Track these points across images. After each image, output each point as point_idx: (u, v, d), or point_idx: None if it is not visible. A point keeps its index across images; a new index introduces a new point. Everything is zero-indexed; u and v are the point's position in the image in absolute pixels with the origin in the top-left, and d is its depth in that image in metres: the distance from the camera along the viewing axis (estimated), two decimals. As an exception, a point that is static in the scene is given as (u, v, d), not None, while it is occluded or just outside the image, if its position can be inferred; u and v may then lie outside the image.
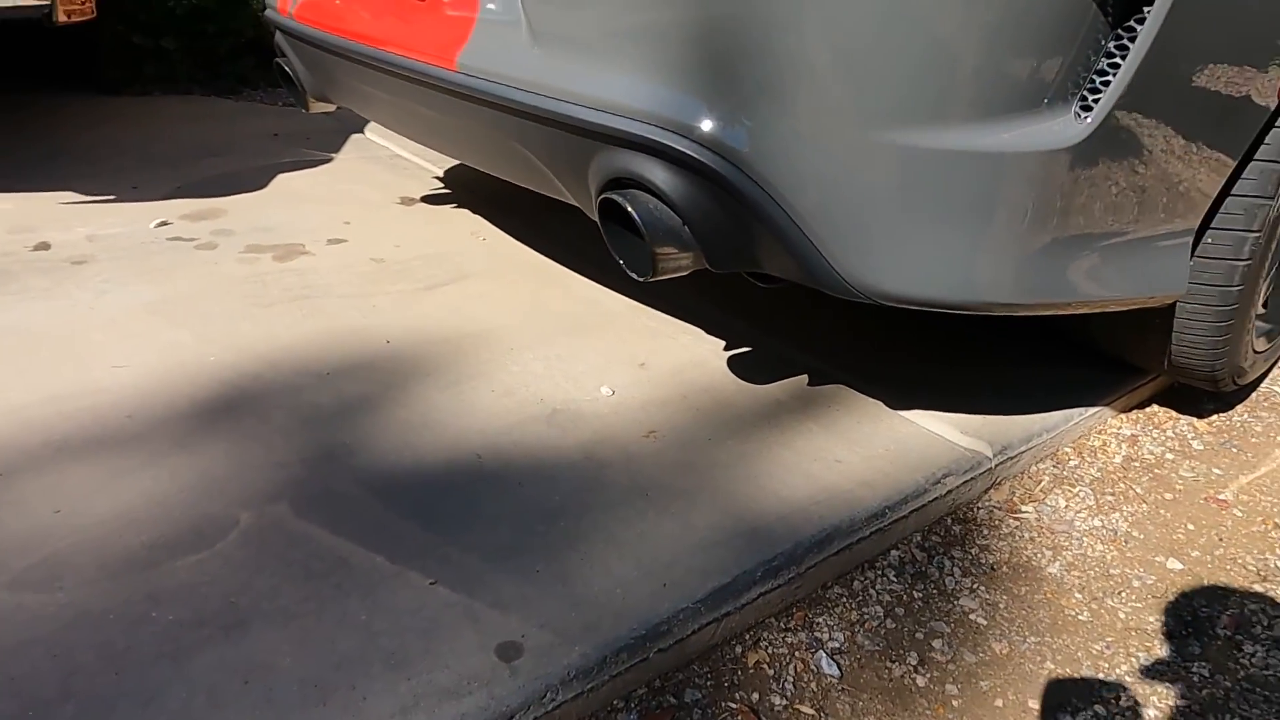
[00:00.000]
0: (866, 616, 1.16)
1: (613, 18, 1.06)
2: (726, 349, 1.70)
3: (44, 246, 1.92)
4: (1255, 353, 1.61)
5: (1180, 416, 1.75)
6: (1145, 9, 0.96)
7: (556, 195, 1.40)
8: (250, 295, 1.75)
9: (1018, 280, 1.09)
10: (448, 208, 2.42)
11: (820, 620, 1.15)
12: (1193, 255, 1.36)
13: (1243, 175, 1.29)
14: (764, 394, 1.53)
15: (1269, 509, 1.48)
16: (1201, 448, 1.66)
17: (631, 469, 1.28)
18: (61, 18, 2.54)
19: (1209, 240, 1.35)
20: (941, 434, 1.45)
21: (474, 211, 2.38)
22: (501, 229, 2.27)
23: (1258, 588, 1.29)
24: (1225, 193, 1.30)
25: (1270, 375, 1.98)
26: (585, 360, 1.60)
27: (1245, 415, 1.81)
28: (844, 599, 1.19)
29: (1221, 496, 1.51)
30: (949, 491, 1.34)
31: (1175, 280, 1.28)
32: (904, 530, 1.29)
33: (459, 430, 1.35)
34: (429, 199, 2.48)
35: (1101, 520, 1.41)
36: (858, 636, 1.13)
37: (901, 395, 1.56)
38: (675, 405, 1.47)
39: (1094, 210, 1.08)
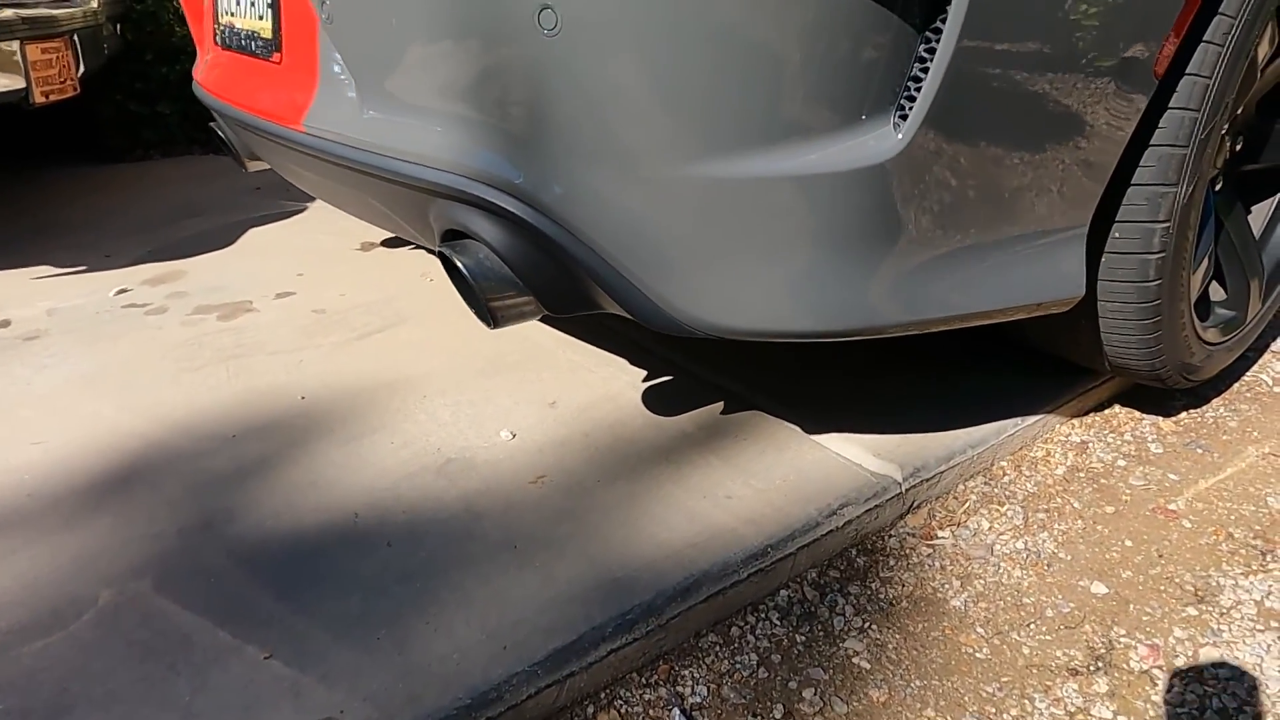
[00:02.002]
0: (738, 666, 1.11)
1: (417, 77, 1.04)
2: (646, 379, 1.66)
3: (3, 324, 2.00)
4: (1207, 345, 1.48)
5: (1144, 417, 1.63)
6: (946, 7, 0.89)
7: (424, 243, 1.39)
8: (183, 359, 1.79)
9: (869, 303, 1.03)
10: (403, 250, 2.44)
11: (686, 673, 1.09)
12: (1103, 252, 1.27)
13: (1140, 163, 1.19)
14: (671, 427, 1.49)
15: (1224, 516, 1.36)
16: (1160, 451, 1.54)
17: (508, 519, 1.25)
18: (39, 99, 2.66)
19: (1116, 235, 1.25)
20: (850, 458, 1.38)
21: (429, 252, 2.40)
22: (453, 267, 2.27)
23: (1191, 610, 1.18)
24: (1124, 183, 1.20)
25: (1260, 362, 1.83)
26: (495, 403, 1.58)
27: (1220, 409, 1.67)
28: (717, 648, 1.13)
29: (1171, 506, 1.39)
30: (847, 522, 1.26)
31: (1070, 282, 1.18)
32: (794, 568, 1.23)
33: (344, 488, 1.34)
34: (388, 243, 2.51)
35: (1025, 542, 1.31)
36: (723, 689, 1.07)
37: (820, 417, 1.49)
38: (574, 445, 1.44)
39: (941, 220, 1.01)
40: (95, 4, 3.06)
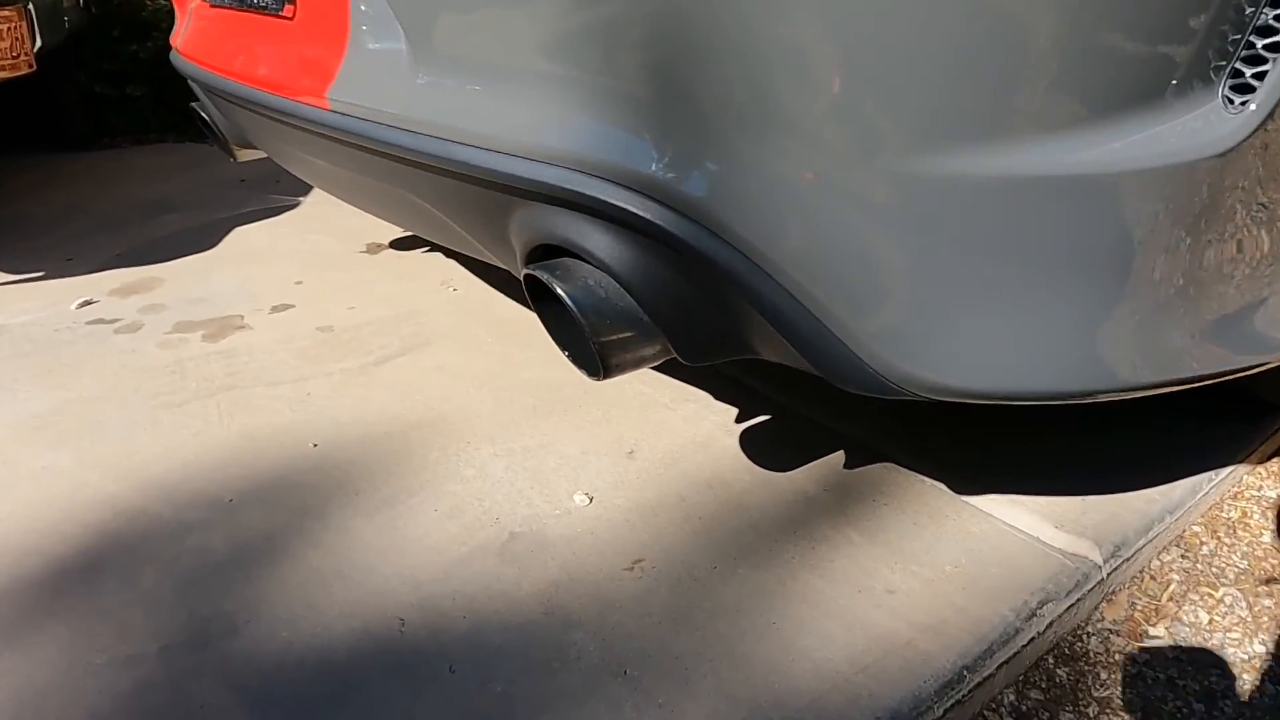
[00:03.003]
0: None
1: (521, 29, 0.73)
2: (739, 420, 1.35)
3: (-60, 346, 1.66)
4: None
5: (1336, 463, 1.35)
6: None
7: (487, 260, 1.07)
8: (162, 392, 1.46)
9: (1150, 355, 0.73)
10: (417, 253, 2.11)
11: None
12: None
13: None
14: (787, 487, 1.18)
15: None
16: (1375, 508, 1.26)
17: (606, 628, 0.94)
18: (-12, 76, 2.31)
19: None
20: (1028, 532, 1.09)
21: (447, 256, 2.07)
22: (477, 274, 1.95)
23: None
24: None
25: None
26: (558, 452, 1.27)
27: None
28: (912, 818, 0.84)
29: None
30: (1049, 625, 0.97)
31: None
32: (989, 692, 0.93)
33: (382, 580, 1.03)
34: (397, 244, 2.18)
35: (1264, 643, 1.03)
36: None
37: (970, 474, 1.19)
38: (670, 514, 1.13)
39: (1262, 240, 0.71)
40: (54, -31, 2.71)
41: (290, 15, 0.99)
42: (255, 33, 1.09)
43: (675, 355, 0.80)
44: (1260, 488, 1.29)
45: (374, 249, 2.15)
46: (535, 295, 0.84)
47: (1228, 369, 0.77)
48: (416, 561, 1.05)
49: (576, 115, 0.72)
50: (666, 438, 1.30)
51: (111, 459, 1.27)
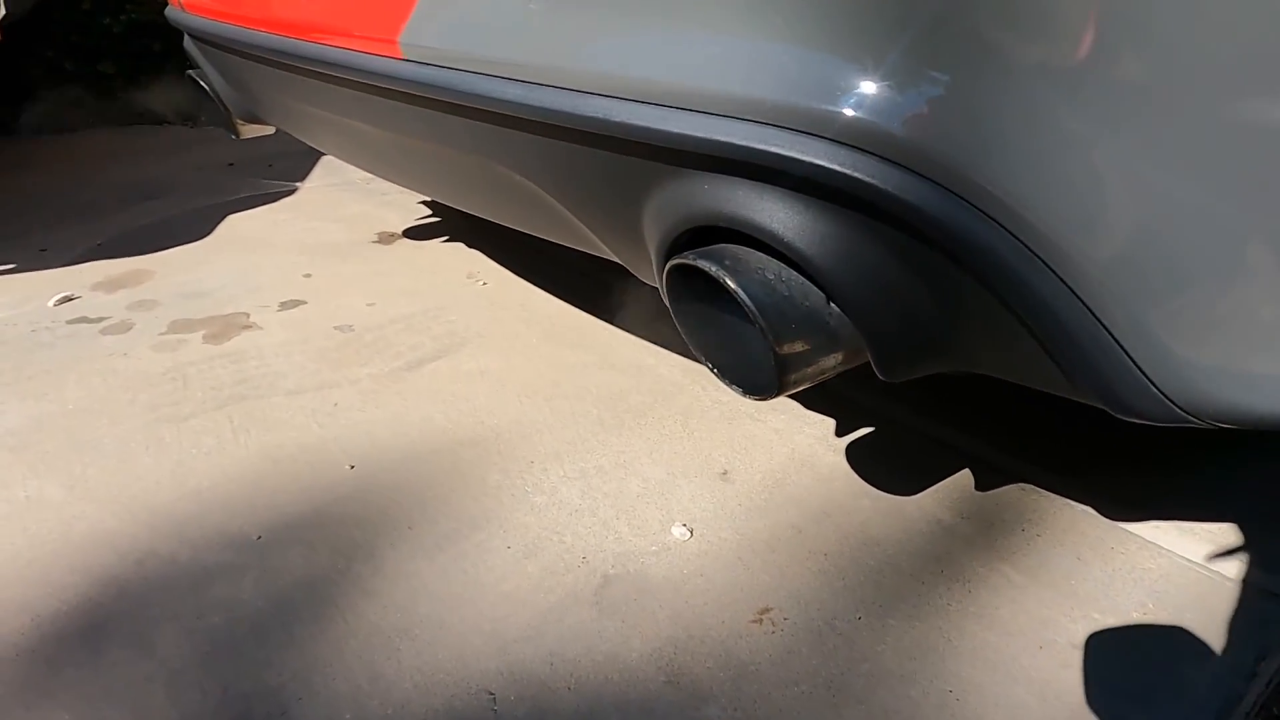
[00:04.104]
0: None
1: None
2: (839, 434, 1.18)
3: (-103, 349, 1.44)
4: None
5: None
6: None
7: (588, 249, 0.88)
8: (163, 404, 1.25)
9: None
10: (436, 241, 1.91)
11: None
12: None
13: None
14: (917, 515, 1.01)
15: None
16: None
17: (746, 702, 0.77)
18: (-55, 44, 2.07)
19: None
20: (1212, 568, 0.93)
21: (470, 245, 1.88)
22: (506, 266, 1.76)
23: None
24: None
25: None
26: (640, 474, 1.09)
27: None
28: None
29: None
30: (1269, 685, 0.82)
31: None
32: (1214, 771, 0.77)
33: (458, 638, 0.84)
34: (413, 232, 1.98)
35: None
36: None
37: (1118, 497, 1.03)
38: (788, 550, 0.96)
39: None
40: (18, -69, 2.46)
41: (343, -57, 0.80)
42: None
43: (876, 368, 0.63)
44: None
45: (387, 238, 1.95)
46: (677, 292, 0.66)
47: None
48: (496, 614, 0.87)
49: (758, 40, 0.54)
50: (761, 455, 1.13)
51: (108, 487, 1.07)
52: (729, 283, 0.59)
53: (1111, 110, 0.47)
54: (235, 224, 2.06)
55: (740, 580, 0.91)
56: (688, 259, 0.62)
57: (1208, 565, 0.93)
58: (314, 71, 0.87)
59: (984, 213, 0.50)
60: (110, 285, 1.69)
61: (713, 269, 0.60)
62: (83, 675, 0.80)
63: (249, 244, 1.92)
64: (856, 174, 0.53)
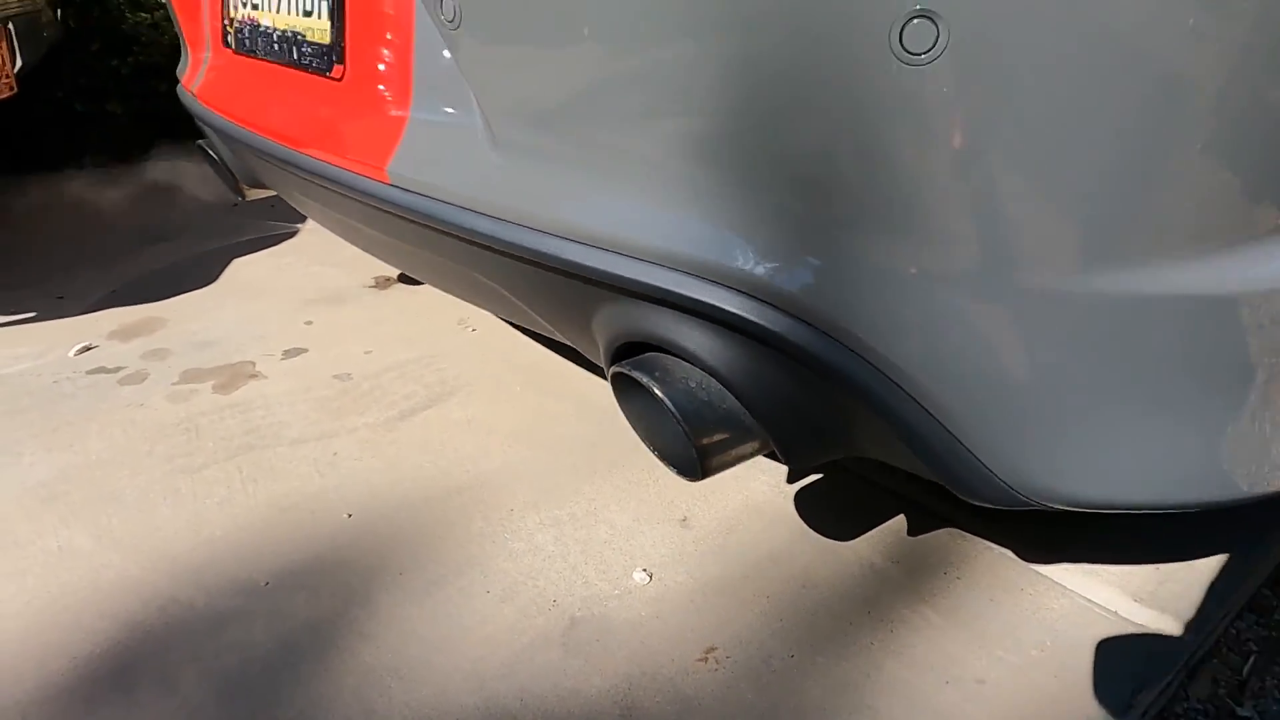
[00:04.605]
0: None
1: (613, 107, 0.67)
2: (790, 480, 1.30)
3: (-69, 401, 1.56)
4: None
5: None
6: None
7: (559, 340, 1.01)
8: (178, 454, 1.38)
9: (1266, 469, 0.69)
10: (429, 288, 2.04)
11: None
12: None
13: None
14: (852, 559, 1.14)
15: None
16: None
17: (689, 732, 0.89)
18: (-33, 101, 2.19)
19: None
20: (1107, 607, 1.05)
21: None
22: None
23: None
24: None
25: None
26: (608, 520, 1.21)
27: None
28: None
29: None
30: (1143, 715, 0.94)
31: None
32: (1092, 791, 0.90)
33: (443, 677, 0.96)
34: (408, 277, 2.10)
35: (1353, 722, 1.00)
36: None
37: (1034, 541, 1.15)
38: (735, 593, 1.08)
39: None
40: (32, -17, 2.59)
41: (339, 76, 0.93)
42: (294, 90, 1.02)
43: (780, 457, 0.75)
44: (1321, 543, 1.28)
45: (383, 283, 2.07)
46: (622, 391, 0.79)
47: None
48: (476, 654, 0.99)
49: (674, 208, 0.67)
50: (719, 502, 1.25)
51: (132, 536, 1.19)
52: (656, 391, 0.71)
53: (922, 277, 0.60)
54: (240, 268, 2.18)
55: (691, 622, 1.04)
56: (625, 369, 0.74)
57: (1104, 605, 1.05)
58: (310, 178, 1.00)
59: (847, 347, 0.63)
60: (125, 334, 1.82)
61: (644, 379, 0.72)
62: (116, 713, 0.92)
63: (253, 290, 2.04)
64: (750, 316, 0.65)
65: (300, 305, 1.95)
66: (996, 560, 1.13)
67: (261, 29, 1.06)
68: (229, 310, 1.93)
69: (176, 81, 1.50)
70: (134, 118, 3.24)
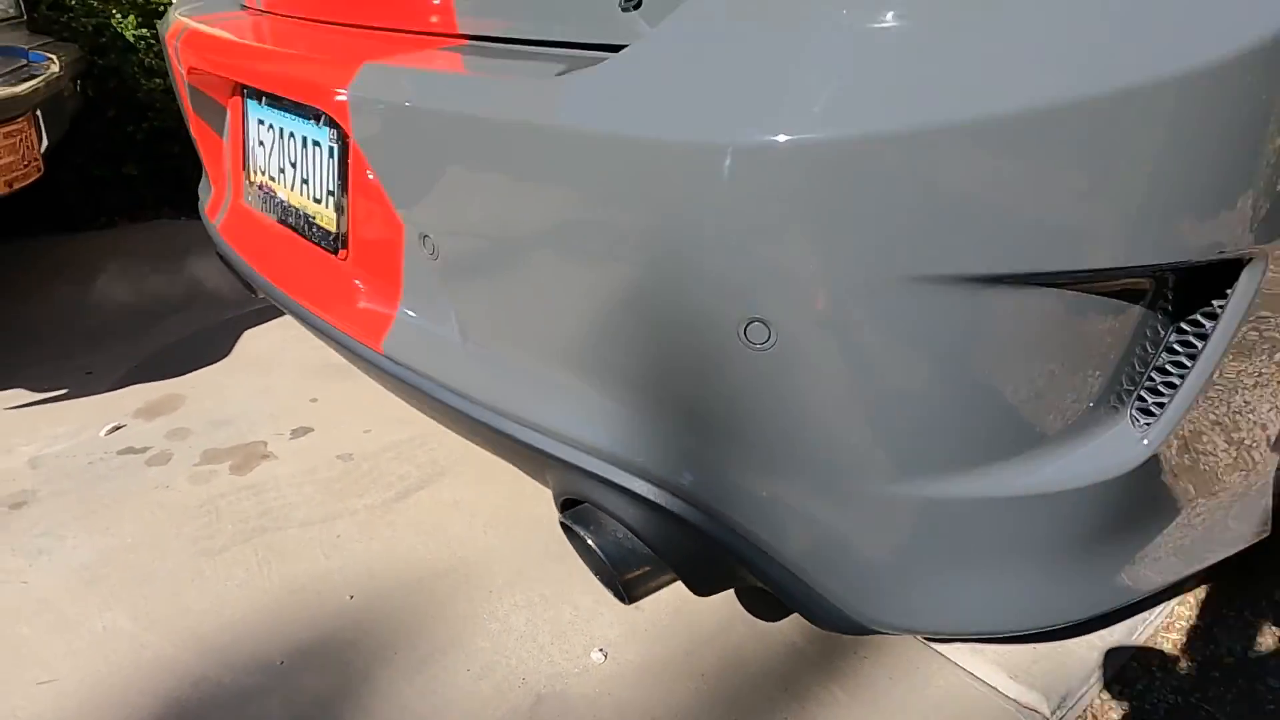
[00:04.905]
0: None
1: (557, 345, 0.87)
2: (733, 562, 1.51)
3: (-18, 483, 1.77)
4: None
5: (1262, 577, 1.54)
6: (1218, 304, 0.76)
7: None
8: (201, 537, 1.58)
9: (1082, 597, 0.89)
10: (423, 362, 2.24)
11: None
12: None
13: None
14: (778, 639, 1.34)
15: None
16: (1287, 635, 1.44)
17: (628, 797, 1.10)
18: (2, 189, 2.39)
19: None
20: (987, 682, 1.25)
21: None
22: (481, 387, 2.09)
23: None
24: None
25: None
26: (573, 602, 1.42)
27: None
28: None
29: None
30: (1005, 780, 1.14)
31: (1258, 526, 1.07)
32: (956, 845, 1.10)
33: (428, 748, 1.17)
34: (403, 350, 2.30)
35: (1187, 782, 1.20)
36: None
37: (936, 618, 1.36)
38: (677, 670, 1.28)
39: (1165, 514, 0.88)
40: (58, 67, 2.79)
41: (343, 258, 1.13)
42: (305, 255, 1.22)
43: (689, 589, 0.96)
44: (1190, 618, 1.47)
45: (381, 356, 2.28)
46: (568, 532, 0.99)
47: (1124, 600, 0.95)
48: (456, 728, 1.19)
49: (623, 428, 0.87)
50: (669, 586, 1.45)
51: (166, 617, 1.39)
52: (589, 542, 0.91)
53: (783, 484, 0.80)
54: (250, 341, 2.39)
55: (638, 698, 1.24)
56: (567, 520, 0.94)
57: (985, 680, 1.25)
58: (317, 331, 1.20)
59: (727, 525, 0.83)
60: (150, 412, 2.02)
61: (580, 531, 0.92)
62: (161, 781, 1.12)
63: (263, 364, 2.25)
64: (653, 498, 0.86)
65: (306, 380, 2.15)
66: (899, 640, 1.33)
67: (278, 199, 1.27)
68: (242, 386, 2.13)
69: (202, 210, 1.70)
70: (148, 179, 3.45)
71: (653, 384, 0.80)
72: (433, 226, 0.91)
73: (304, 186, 1.18)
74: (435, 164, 0.86)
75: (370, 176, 0.97)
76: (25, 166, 2.50)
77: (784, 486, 0.80)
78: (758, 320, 0.70)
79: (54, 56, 2.84)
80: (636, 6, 0.79)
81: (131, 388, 2.14)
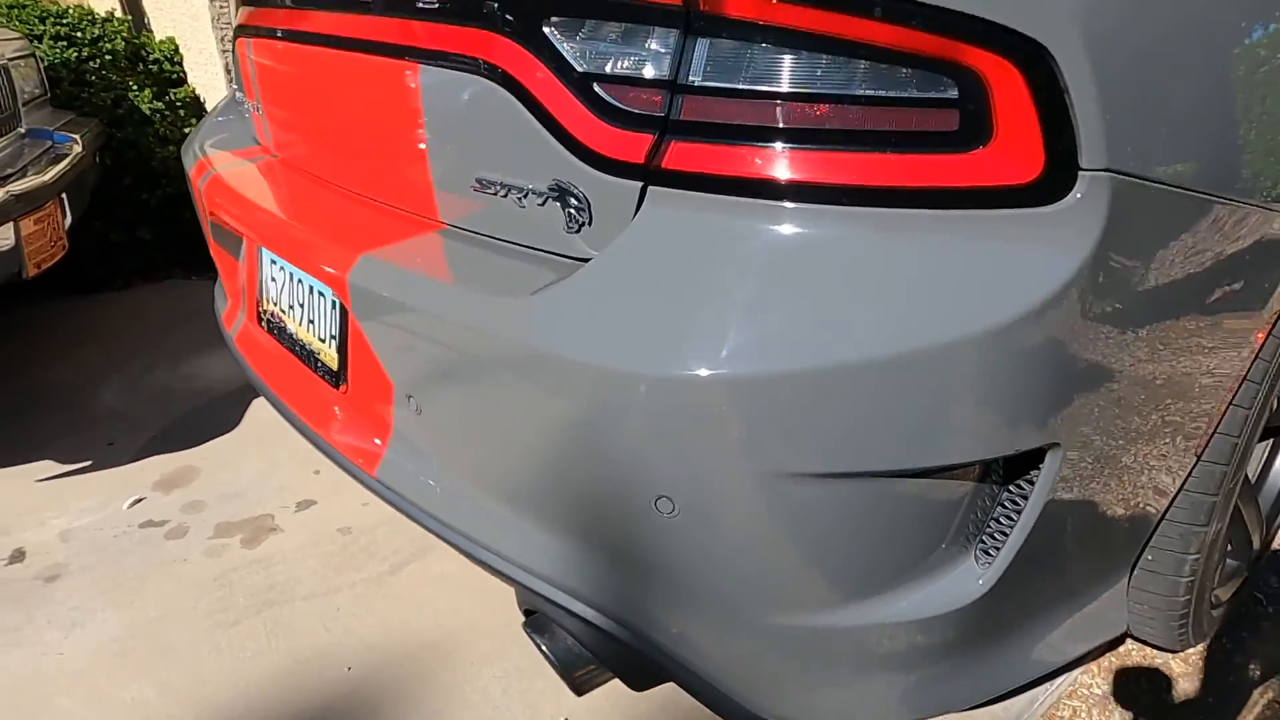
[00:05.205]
0: None
1: (520, 492, 1.08)
2: (687, 635, 1.70)
3: (19, 557, 1.96)
4: (1218, 606, 1.58)
5: (1156, 655, 1.73)
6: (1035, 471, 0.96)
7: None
8: (216, 610, 1.78)
9: (945, 695, 1.09)
10: (417, 433, 2.44)
11: None
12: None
13: (1175, 505, 1.28)
14: (722, 708, 1.53)
15: (1244, 795, 1.45)
16: (1179, 698, 1.63)
17: None
18: (32, 272, 2.59)
19: (1149, 558, 1.33)
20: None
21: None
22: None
23: None
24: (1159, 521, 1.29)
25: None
26: (545, 672, 1.60)
27: (1225, 639, 1.77)
28: None
29: (1195, 779, 1.48)
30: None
31: (1114, 623, 1.26)
32: None
33: (414, 810, 1.36)
34: (399, 421, 2.51)
35: (1069, 838, 1.39)
36: None
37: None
38: (632, 738, 1.47)
39: (1016, 620, 1.08)
40: (81, 147, 3.00)
41: (344, 392, 1.33)
42: (310, 382, 1.42)
43: (628, 687, 1.15)
44: (1091, 685, 1.66)
45: (378, 427, 2.48)
46: (530, 636, 1.19)
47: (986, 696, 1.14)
48: (439, 792, 1.38)
49: (566, 563, 1.07)
50: (630, 655, 1.64)
51: (186, 689, 1.58)
52: (543, 648, 1.11)
53: (692, 615, 1.00)
54: (257, 411, 2.59)
55: (596, 764, 1.43)
56: (526, 629, 1.14)
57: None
58: (323, 450, 1.40)
59: (654, 644, 1.03)
60: (167, 484, 2.22)
61: (535, 639, 1.12)
62: (186, 840, 1.31)
63: (269, 436, 2.44)
64: (591, 619, 1.05)
65: (310, 451, 2.33)
66: None
67: (287, 330, 1.47)
68: (251, 458, 2.33)
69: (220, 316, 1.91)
70: (162, 242, 3.67)
71: (590, 532, 1.00)
72: (416, 391, 1.12)
73: (310, 326, 1.39)
74: (419, 347, 1.07)
75: (366, 340, 1.18)
76: (52, 247, 2.71)
77: (694, 618, 0.99)
78: (665, 496, 0.90)
79: (77, 137, 3.06)
80: (578, 231, 1.00)
81: (150, 459, 2.34)
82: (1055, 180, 0.80)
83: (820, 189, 0.83)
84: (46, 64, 3.47)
